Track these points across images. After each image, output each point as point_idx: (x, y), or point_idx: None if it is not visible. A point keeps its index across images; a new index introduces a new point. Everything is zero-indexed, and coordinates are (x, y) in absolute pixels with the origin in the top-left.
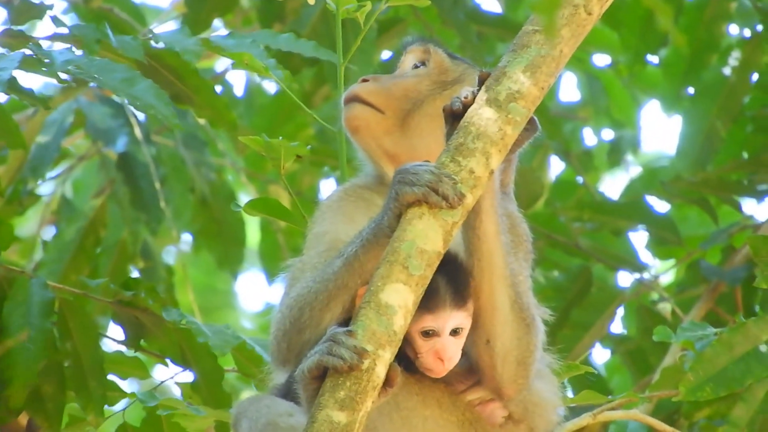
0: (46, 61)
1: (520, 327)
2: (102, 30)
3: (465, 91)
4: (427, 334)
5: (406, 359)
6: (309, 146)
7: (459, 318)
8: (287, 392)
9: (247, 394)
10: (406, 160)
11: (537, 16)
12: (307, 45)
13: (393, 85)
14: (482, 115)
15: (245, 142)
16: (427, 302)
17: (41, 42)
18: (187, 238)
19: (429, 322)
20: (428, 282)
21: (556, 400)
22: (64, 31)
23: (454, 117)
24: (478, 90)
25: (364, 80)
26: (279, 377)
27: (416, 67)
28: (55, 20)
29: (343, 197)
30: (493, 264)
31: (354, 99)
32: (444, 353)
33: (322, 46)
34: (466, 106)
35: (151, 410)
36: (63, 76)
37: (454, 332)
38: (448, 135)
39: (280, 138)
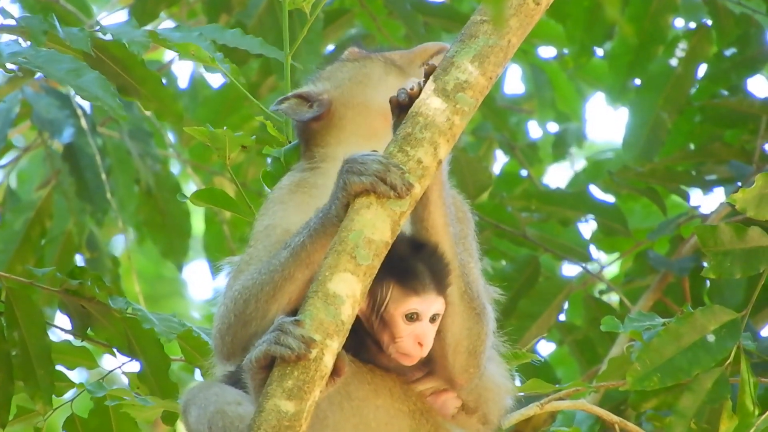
0: None
1: (471, 317)
2: (49, 21)
3: (411, 83)
4: (411, 317)
5: (357, 349)
6: (253, 136)
7: (439, 304)
8: (237, 380)
9: (194, 383)
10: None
11: (485, 5)
12: (253, 41)
13: None
14: (430, 105)
15: (190, 133)
16: (414, 285)
17: None
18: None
19: (415, 304)
20: (376, 272)
21: (508, 384)
22: (12, 22)
23: (400, 109)
24: (424, 82)
25: None
26: (226, 368)
27: None
28: (3, 12)
29: (289, 191)
30: None
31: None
32: (424, 338)
33: (269, 37)
34: (412, 98)
35: (99, 400)
36: (10, 66)
37: (432, 318)
38: (395, 126)
39: (225, 128)
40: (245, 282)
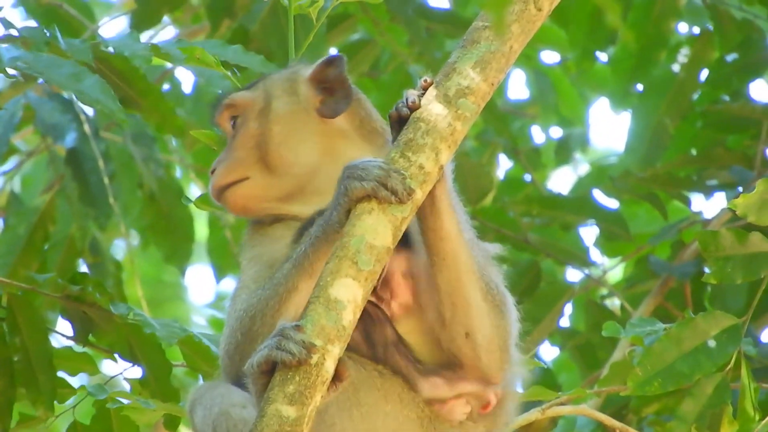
0: None
1: (497, 314)
2: (51, 32)
3: (411, 96)
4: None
5: (374, 348)
6: None
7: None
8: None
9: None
10: (300, 190)
11: (487, 12)
12: (255, 59)
13: (233, 152)
14: (432, 110)
15: (196, 136)
16: (410, 244)
17: None
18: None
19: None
20: (377, 276)
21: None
22: (14, 33)
23: (399, 122)
24: (422, 94)
25: (211, 171)
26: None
27: (234, 123)
28: (5, 22)
29: (267, 220)
30: (459, 262)
31: (221, 191)
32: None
33: (272, 41)
34: (412, 110)
35: (100, 404)
36: (11, 71)
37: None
38: (393, 141)
39: None
40: (249, 300)
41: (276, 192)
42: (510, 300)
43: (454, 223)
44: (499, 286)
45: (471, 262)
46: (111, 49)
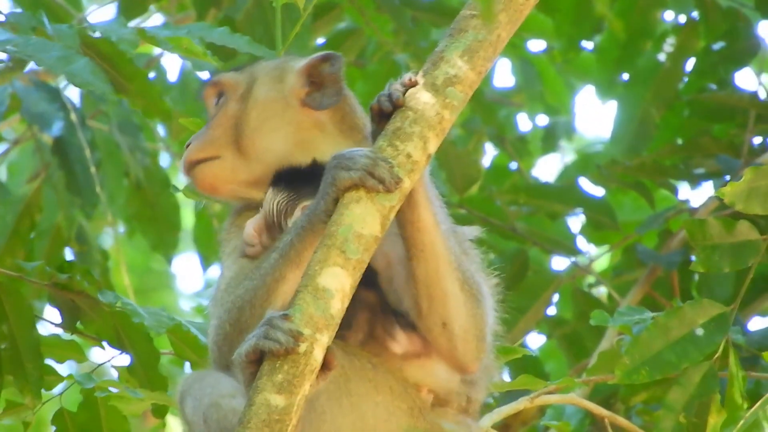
0: None
1: (474, 304)
2: (38, 18)
3: (396, 93)
4: None
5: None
6: None
7: None
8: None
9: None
10: (269, 178)
11: (475, 0)
12: (241, 40)
13: (210, 130)
14: (420, 99)
15: (185, 124)
16: None
17: None
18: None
19: None
20: (365, 266)
21: (495, 374)
22: (1, 18)
23: (381, 116)
24: (405, 92)
25: (187, 145)
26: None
27: (218, 102)
28: None
29: (244, 213)
30: (437, 253)
31: (191, 166)
32: None
33: (257, 31)
34: (396, 107)
35: (88, 393)
36: (0, 56)
37: None
38: (374, 134)
39: None
40: (236, 291)
41: (244, 176)
42: (486, 289)
43: (431, 214)
44: (476, 275)
45: (448, 253)
46: (98, 34)
